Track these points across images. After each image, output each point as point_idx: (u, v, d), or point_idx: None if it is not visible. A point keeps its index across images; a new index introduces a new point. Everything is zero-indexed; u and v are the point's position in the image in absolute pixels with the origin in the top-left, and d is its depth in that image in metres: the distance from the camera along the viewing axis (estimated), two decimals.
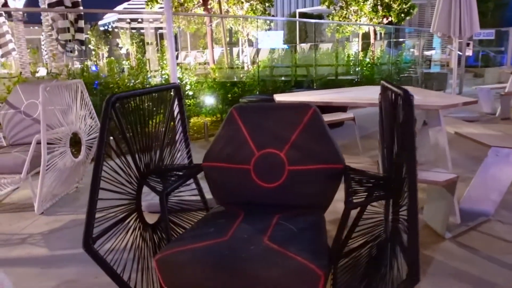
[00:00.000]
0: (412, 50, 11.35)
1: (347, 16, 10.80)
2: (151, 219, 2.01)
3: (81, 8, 6.20)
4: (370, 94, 3.23)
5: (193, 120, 6.47)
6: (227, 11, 9.54)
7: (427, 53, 13.92)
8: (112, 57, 20.56)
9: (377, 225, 1.97)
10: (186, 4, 8.76)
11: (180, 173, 1.97)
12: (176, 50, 21.28)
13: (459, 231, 2.68)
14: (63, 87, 3.34)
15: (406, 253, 1.35)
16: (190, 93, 6.38)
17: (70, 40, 6.24)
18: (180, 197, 2.19)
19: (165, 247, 1.52)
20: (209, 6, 8.91)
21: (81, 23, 6.31)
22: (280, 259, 1.35)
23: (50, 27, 6.79)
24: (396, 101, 1.59)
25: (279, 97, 3.18)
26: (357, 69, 9.54)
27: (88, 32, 21.99)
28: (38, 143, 3.07)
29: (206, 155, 2.05)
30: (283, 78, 8.12)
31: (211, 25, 9.74)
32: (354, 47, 11.82)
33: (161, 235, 1.95)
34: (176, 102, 2.19)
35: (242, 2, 9.14)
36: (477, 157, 4.13)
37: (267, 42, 13.95)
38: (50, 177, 3.21)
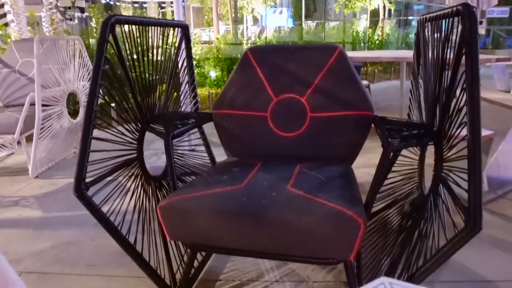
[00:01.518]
0: None
1: None
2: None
3: None
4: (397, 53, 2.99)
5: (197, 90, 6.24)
6: None
7: None
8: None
9: (411, 177, 1.76)
10: None
11: (188, 121, 1.74)
12: None
13: (488, 198, 2.47)
14: (60, 43, 3.09)
15: (459, 203, 1.14)
16: (195, 63, 6.12)
17: (69, 8, 5.96)
18: (184, 153, 1.97)
19: (171, 194, 1.30)
20: None
21: None
22: (310, 205, 1.13)
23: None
24: (449, 25, 1.33)
25: None
26: (365, 46, 9.23)
27: (89, 9, 21.49)
28: (33, 103, 2.84)
29: (216, 103, 1.82)
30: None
31: None
32: (363, 24, 11.46)
33: (166, 188, 1.73)
34: (183, 43, 1.94)
35: None
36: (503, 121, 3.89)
37: (272, 19, 13.62)
38: (45, 139, 2.99)
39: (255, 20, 13.43)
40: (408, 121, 1.62)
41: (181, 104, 1.98)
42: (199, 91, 6.33)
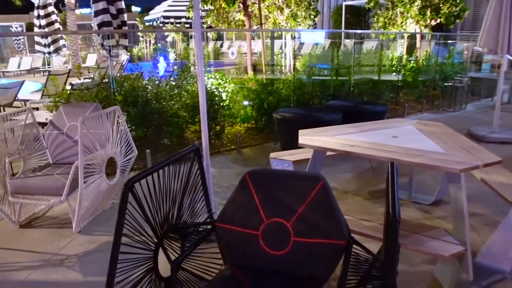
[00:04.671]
0: (461, 53, 10.90)
1: (392, 17, 10.51)
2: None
3: (125, 15, 6.46)
4: (401, 142, 3.26)
5: (227, 130, 6.64)
6: (267, 17, 9.54)
7: (476, 48, 13.07)
8: (158, 44, 21.12)
9: None
10: (227, 8, 8.84)
11: (196, 236, 2.15)
12: (221, 40, 21.53)
13: None
14: (102, 115, 3.60)
15: None
16: (225, 100, 6.52)
17: (114, 46, 6.53)
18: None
19: None
20: (250, 10, 8.95)
21: (125, 29, 6.58)
22: None
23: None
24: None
25: (302, 139, 3.27)
26: (399, 75, 9.33)
27: (137, 18, 22.64)
28: (77, 167, 3.35)
29: (220, 215, 2.20)
30: (322, 78, 8.07)
31: (252, 32, 9.71)
32: (399, 48, 11.51)
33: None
34: (196, 162, 2.35)
35: (283, 9, 9.10)
36: None
37: (310, 37, 13.82)
38: (86, 199, 3.49)
39: (292, 36, 13.69)
40: (373, 254, 1.94)
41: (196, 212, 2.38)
42: (229, 129, 6.73)
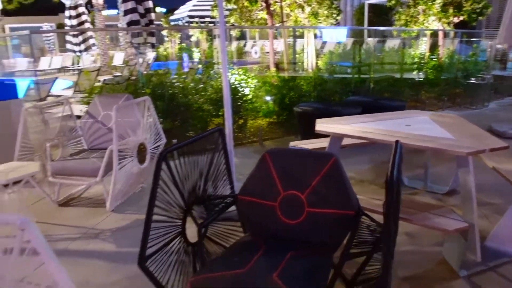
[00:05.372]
0: (485, 51, 10.84)
1: (414, 15, 10.55)
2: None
3: (153, 14, 6.79)
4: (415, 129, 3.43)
5: (249, 123, 6.89)
6: (288, 16, 9.75)
7: (500, 46, 12.83)
8: (183, 44, 21.58)
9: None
10: (249, 7, 9.10)
11: (219, 203, 2.40)
12: (244, 39, 21.82)
13: (476, 270, 2.79)
14: (134, 104, 3.90)
15: None
16: (247, 95, 6.77)
17: (142, 43, 6.87)
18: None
19: (197, 272, 1.96)
20: (271, 8, 9.18)
21: (152, 28, 6.92)
22: None
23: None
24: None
25: (319, 126, 3.48)
26: (420, 72, 9.40)
27: (162, 19, 23.19)
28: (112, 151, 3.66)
29: (241, 189, 2.45)
30: (343, 76, 8.22)
31: (274, 30, 9.88)
32: (422, 46, 11.53)
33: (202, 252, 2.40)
34: (220, 142, 2.60)
35: (304, 7, 9.29)
36: None
37: (331, 35, 13.92)
38: (119, 181, 3.79)
39: (315, 35, 13.83)
40: (379, 223, 2.14)
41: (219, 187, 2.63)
42: (251, 123, 6.98)
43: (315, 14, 9.21)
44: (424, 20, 10.48)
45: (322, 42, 15.79)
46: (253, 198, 2.38)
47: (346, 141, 3.93)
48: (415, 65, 9.79)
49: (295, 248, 2.13)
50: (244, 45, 20.64)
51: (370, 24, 17.06)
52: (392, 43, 13.47)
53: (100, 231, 3.45)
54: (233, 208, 2.64)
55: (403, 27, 11.13)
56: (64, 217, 3.72)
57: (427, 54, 10.39)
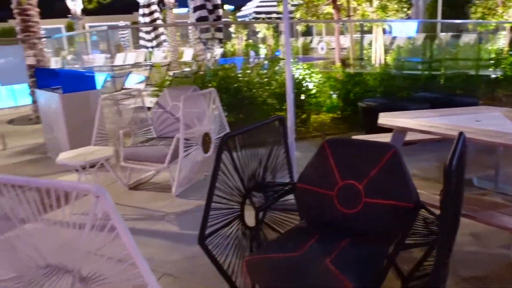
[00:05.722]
0: None
1: (492, 7, 9.90)
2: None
3: (220, 10, 7.00)
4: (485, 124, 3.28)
5: (312, 118, 6.88)
6: (355, 9, 9.56)
7: None
8: (250, 41, 21.89)
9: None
10: (315, 1, 9.05)
11: (277, 190, 2.47)
12: (310, 35, 21.70)
13: None
14: (201, 95, 4.07)
15: None
16: (311, 89, 6.77)
17: (210, 39, 7.12)
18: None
19: (254, 252, 2.04)
20: (338, 2, 9.06)
21: (220, 24, 7.14)
22: (332, 281, 1.76)
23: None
24: None
25: (382, 120, 3.43)
26: (498, 68, 8.81)
27: (229, 16, 23.71)
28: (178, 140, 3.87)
29: (299, 177, 2.49)
30: (412, 72, 7.93)
31: (340, 21, 9.76)
32: (501, 40, 10.79)
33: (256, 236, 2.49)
34: (281, 130, 2.67)
35: (371, 1, 9.06)
36: None
37: (401, 30, 13.45)
38: (184, 167, 3.99)
39: (384, 31, 13.45)
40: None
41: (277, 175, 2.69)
42: (314, 117, 6.98)
43: (383, 8, 8.95)
44: (503, 12, 9.79)
45: (391, 37, 15.30)
46: (310, 186, 2.41)
47: (411, 137, 3.83)
48: (492, 61, 9.19)
49: (350, 236, 2.14)
50: (310, 41, 20.53)
51: (443, 18, 16.24)
52: (467, 38, 12.73)
53: (165, 213, 3.66)
54: (290, 197, 2.70)
55: (480, 20, 10.49)
56: (133, 199, 3.99)
57: (506, 49, 9.71)
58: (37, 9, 8.20)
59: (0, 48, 8.47)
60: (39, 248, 1.85)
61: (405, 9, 9.86)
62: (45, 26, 8.55)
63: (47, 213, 1.84)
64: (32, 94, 8.21)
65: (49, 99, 5.23)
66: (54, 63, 15.11)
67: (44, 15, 8.52)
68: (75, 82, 5.04)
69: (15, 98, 10.72)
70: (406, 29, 13.13)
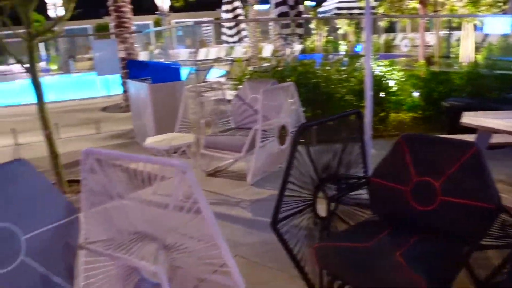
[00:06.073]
0: None
1: None
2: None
3: (301, 6, 7.07)
4: None
5: (392, 117, 6.71)
6: (443, 4, 9.07)
7: None
8: (330, 37, 21.65)
9: None
10: None
11: (351, 182, 2.50)
12: (394, 32, 20.91)
13: None
14: (279, 88, 4.19)
15: None
16: (391, 87, 6.59)
17: (290, 34, 7.21)
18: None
19: (324, 238, 2.10)
20: None
21: (300, 19, 7.20)
22: (401, 275, 1.77)
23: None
24: None
25: (466, 118, 3.29)
26: None
27: (310, 12, 23.60)
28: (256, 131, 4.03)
29: (374, 171, 2.50)
30: (507, 72, 7.39)
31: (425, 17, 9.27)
32: None
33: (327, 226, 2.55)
34: (358, 124, 2.69)
35: None
36: None
37: (494, 27, 12.51)
38: (260, 158, 4.14)
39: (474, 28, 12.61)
40: None
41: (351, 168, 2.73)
42: (394, 116, 6.80)
43: (474, 2, 8.40)
44: None
45: (484, 34, 14.29)
46: (384, 181, 2.42)
47: (498, 140, 3.64)
48: None
49: (422, 233, 2.12)
50: (393, 38, 19.80)
51: None
52: None
53: (240, 200, 3.84)
54: (363, 192, 2.72)
55: None
56: (211, 185, 4.22)
57: None
58: (130, 6, 8.86)
59: (97, 42, 9.25)
60: (131, 218, 2.08)
61: (500, 4, 9.18)
62: (135, 22, 9.19)
63: (139, 190, 2.08)
64: (124, 84, 8.91)
65: (139, 88, 5.67)
66: (142, 57, 16.15)
67: (135, 11, 9.18)
68: (163, 74, 5.41)
69: (108, 88, 11.68)
70: (501, 26, 12.20)
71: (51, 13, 23.67)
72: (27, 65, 3.94)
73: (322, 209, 2.51)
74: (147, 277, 2.34)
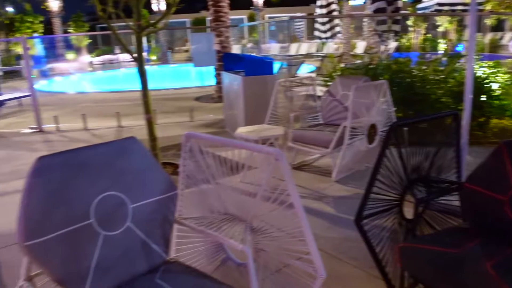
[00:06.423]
0: None
1: None
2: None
3: (400, 1, 6.81)
4: None
5: (493, 122, 6.24)
6: None
7: None
8: (428, 34, 20.50)
9: None
10: None
11: (442, 186, 2.42)
12: (502, 30, 19.20)
13: None
14: (371, 86, 4.13)
15: None
16: (494, 90, 6.13)
17: (386, 31, 7.00)
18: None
19: (408, 240, 2.08)
20: None
21: (398, 16, 6.95)
22: (490, 287, 1.70)
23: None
24: None
25: None
26: None
27: (408, 8, 22.53)
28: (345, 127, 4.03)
29: (469, 177, 2.40)
30: None
31: None
32: None
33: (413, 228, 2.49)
34: (453, 127, 2.58)
35: None
36: None
37: None
38: (347, 155, 4.13)
39: None
40: None
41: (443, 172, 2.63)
42: (495, 122, 6.32)
43: None
44: None
45: None
46: (480, 188, 2.31)
47: None
48: None
49: None
50: (501, 38, 18.19)
51: None
52: None
53: (324, 195, 3.87)
54: (453, 198, 2.61)
55: None
56: (295, 178, 4.30)
57: None
58: (228, 1, 9.21)
59: (195, 35, 9.72)
60: (223, 199, 2.24)
61: None
62: (230, 16, 9.55)
63: (231, 175, 2.23)
64: (217, 76, 9.31)
65: (233, 80, 5.91)
66: (235, 50, 16.68)
67: (231, 6, 9.53)
68: (256, 67, 5.59)
69: (202, 79, 12.29)
70: None
71: (154, 7, 25.39)
72: (135, 55, 4.32)
73: (408, 212, 2.47)
74: (233, 256, 2.50)
